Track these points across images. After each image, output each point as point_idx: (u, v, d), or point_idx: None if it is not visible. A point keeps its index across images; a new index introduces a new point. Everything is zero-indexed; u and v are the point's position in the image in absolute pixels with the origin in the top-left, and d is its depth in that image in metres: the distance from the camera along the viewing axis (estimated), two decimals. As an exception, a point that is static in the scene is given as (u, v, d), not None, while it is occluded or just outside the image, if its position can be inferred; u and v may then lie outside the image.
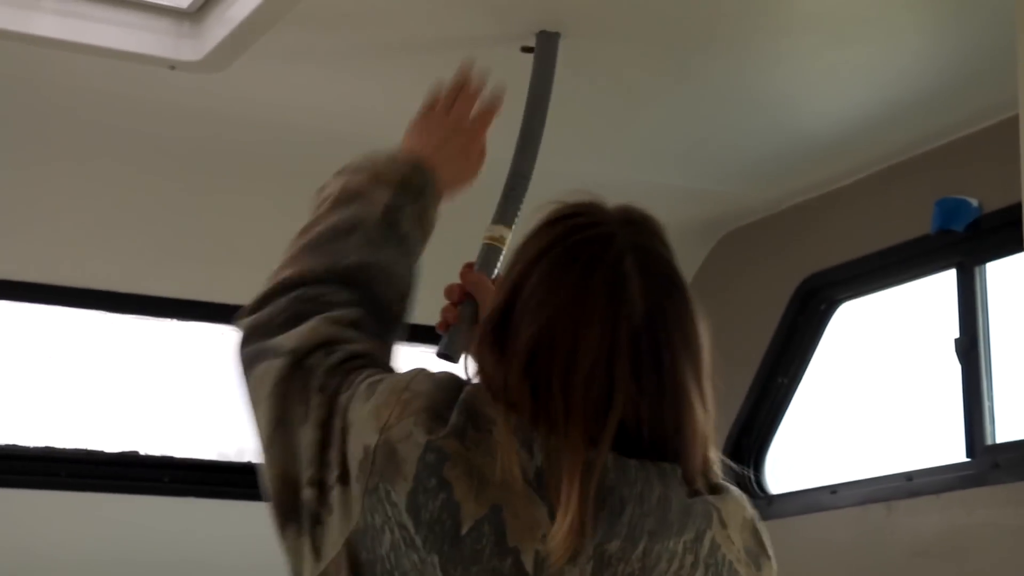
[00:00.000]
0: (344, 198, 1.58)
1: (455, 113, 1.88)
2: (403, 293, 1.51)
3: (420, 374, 1.32)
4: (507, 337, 1.31)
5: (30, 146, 2.94)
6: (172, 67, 2.58)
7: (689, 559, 1.27)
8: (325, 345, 1.37)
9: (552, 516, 1.22)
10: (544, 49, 2.43)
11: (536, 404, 1.27)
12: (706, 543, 1.29)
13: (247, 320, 1.43)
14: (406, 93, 2.76)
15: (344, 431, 1.30)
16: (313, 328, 1.38)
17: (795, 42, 2.55)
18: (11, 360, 3.31)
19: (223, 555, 3.38)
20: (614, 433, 1.26)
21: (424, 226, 1.64)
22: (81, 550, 3.25)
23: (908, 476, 3.00)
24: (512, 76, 2.54)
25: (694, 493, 1.30)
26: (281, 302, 1.42)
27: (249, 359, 1.41)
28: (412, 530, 1.22)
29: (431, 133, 1.81)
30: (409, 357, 1.43)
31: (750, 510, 1.37)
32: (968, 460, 2.89)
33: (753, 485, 3.43)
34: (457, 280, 1.74)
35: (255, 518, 3.66)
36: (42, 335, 3.32)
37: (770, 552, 1.36)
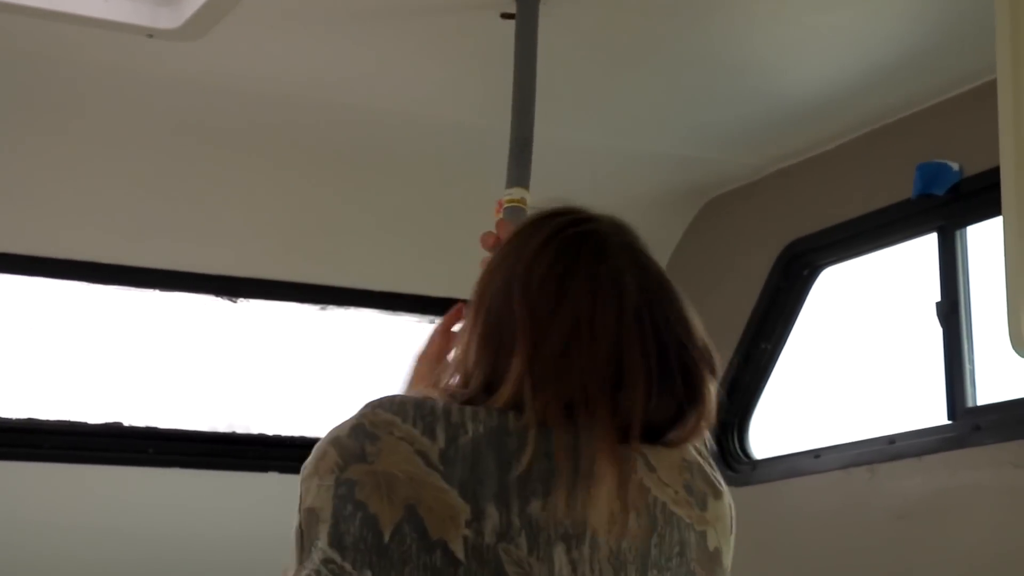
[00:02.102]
0: None
1: None
2: None
3: (320, 447, 1.35)
4: (528, 315, 1.35)
5: (6, 116, 2.92)
6: (150, 35, 2.56)
7: (617, 505, 1.30)
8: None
9: (463, 497, 1.26)
10: (525, 15, 2.42)
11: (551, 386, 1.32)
12: (632, 488, 1.31)
13: None
14: (387, 59, 2.77)
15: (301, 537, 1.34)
16: None
17: (776, 6, 2.55)
18: (-7, 332, 3.31)
19: (208, 525, 3.38)
20: (642, 413, 1.32)
21: None
22: (66, 521, 3.25)
23: (890, 439, 3.02)
24: (495, 42, 2.54)
25: (621, 441, 1.33)
26: None
27: None
28: (339, 559, 1.27)
29: None
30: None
31: (691, 451, 1.40)
32: (950, 423, 2.90)
33: (737, 450, 3.44)
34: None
35: (239, 489, 3.70)
36: (25, 307, 3.31)
37: (722, 489, 1.40)
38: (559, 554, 1.27)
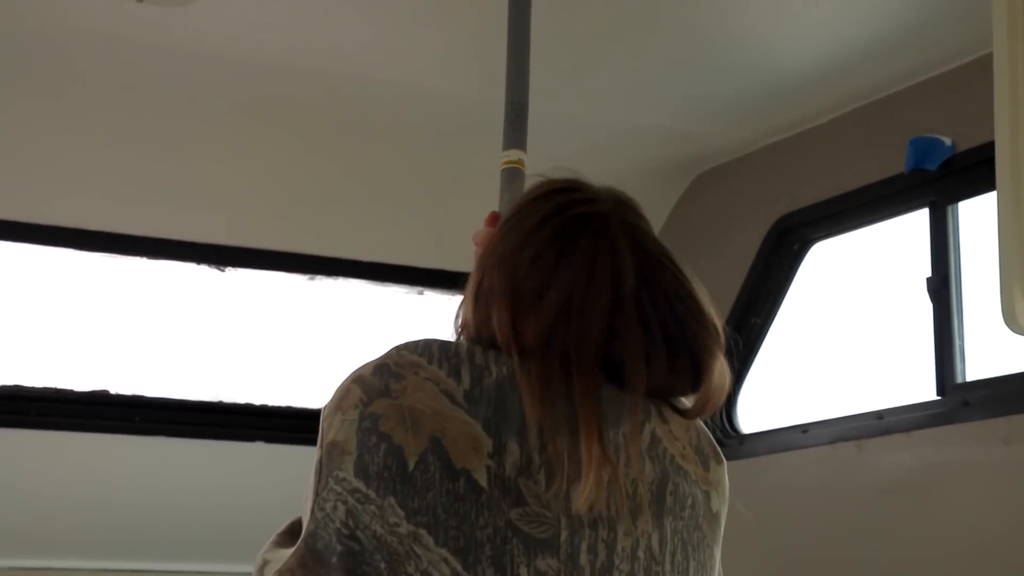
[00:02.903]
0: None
1: None
2: None
3: (343, 385, 1.37)
4: (515, 295, 1.38)
5: (-5, 81, 2.90)
6: (139, 0, 2.54)
7: (634, 451, 1.33)
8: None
9: (487, 431, 1.30)
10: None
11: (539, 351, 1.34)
12: (645, 436, 1.35)
13: None
14: (381, 28, 2.75)
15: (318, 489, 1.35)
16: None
17: (770, -22, 2.53)
18: (-21, 299, 3.29)
19: (194, 494, 3.38)
20: (645, 386, 1.35)
21: None
22: (50, 489, 3.24)
23: (879, 415, 3.02)
24: (490, 12, 2.52)
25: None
26: None
27: None
28: (364, 488, 1.29)
29: None
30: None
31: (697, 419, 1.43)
32: (938, 398, 2.91)
33: (725, 424, 3.44)
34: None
35: (226, 458, 3.69)
36: (11, 273, 3.29)
37: (722, 458, 1.43)
38: (576, 493, 1.30)
